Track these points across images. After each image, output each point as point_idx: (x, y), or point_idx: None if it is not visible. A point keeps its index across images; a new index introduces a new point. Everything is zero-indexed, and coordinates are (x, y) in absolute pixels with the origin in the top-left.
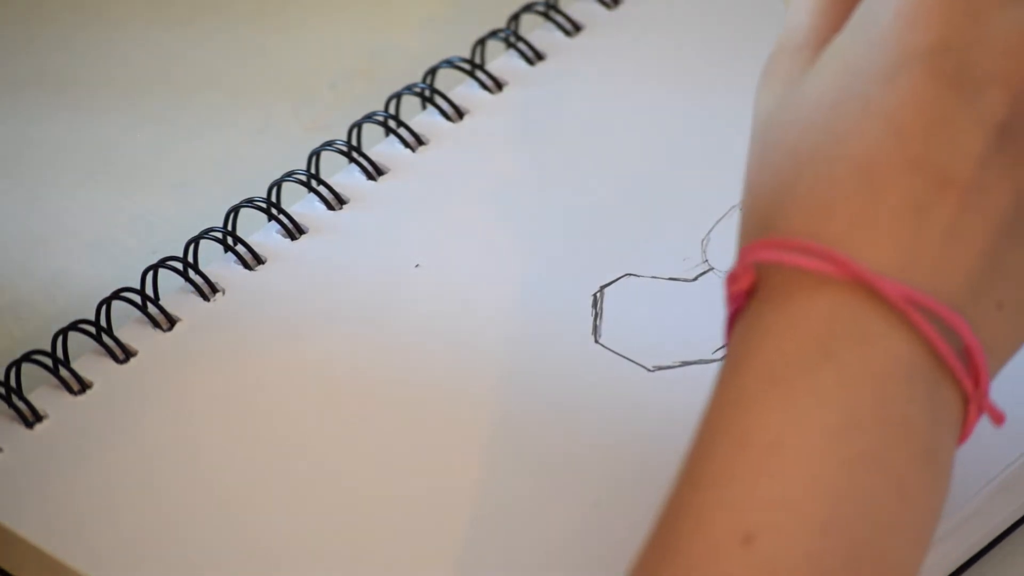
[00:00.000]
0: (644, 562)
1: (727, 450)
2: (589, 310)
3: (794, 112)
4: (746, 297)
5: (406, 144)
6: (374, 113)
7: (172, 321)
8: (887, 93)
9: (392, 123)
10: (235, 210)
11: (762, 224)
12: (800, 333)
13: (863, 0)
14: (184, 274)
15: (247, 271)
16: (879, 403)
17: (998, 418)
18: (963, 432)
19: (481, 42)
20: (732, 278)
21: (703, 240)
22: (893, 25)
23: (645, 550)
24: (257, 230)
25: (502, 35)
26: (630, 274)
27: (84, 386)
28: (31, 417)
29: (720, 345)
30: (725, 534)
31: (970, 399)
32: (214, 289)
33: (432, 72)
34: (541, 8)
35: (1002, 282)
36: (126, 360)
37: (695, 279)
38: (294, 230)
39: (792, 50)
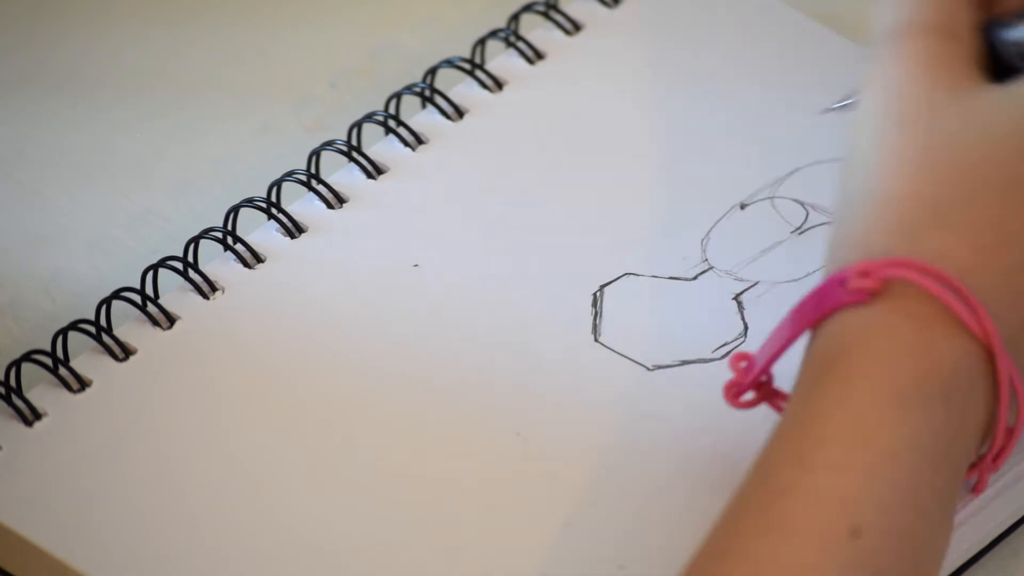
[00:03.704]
0: (735, 534)
1: (846, 444)
2: (589, 309)
3: (978, 126)
4: (868, 296)
5: (406, 143)
6: (374, 113)
7: (172, 320)
8: None
9: (392, 123)
10: (235, 210)
11: (910, 230)
12: (931, 364)
13: None
14: (184, 273)
15: (247, 270)
16: (961, 452)
17: (981, 488)
18: None
19: (481, 42)
20: (864, 272)
21: (703, 239)
22: None
23: (731, 520)
24: (257, 229)
25: (502, 35)
26: (630, 273)
27: (83, 384)
28: (30, 416)
29: (721, 344)
30: (836, 522)
31: (982, 463)
32: (214, 288)
33: (432, 72)
34: (541, 8)
35: None
36: (125, 358)
37: (695, 278)
38: (294, 229)
39: (943, 33)
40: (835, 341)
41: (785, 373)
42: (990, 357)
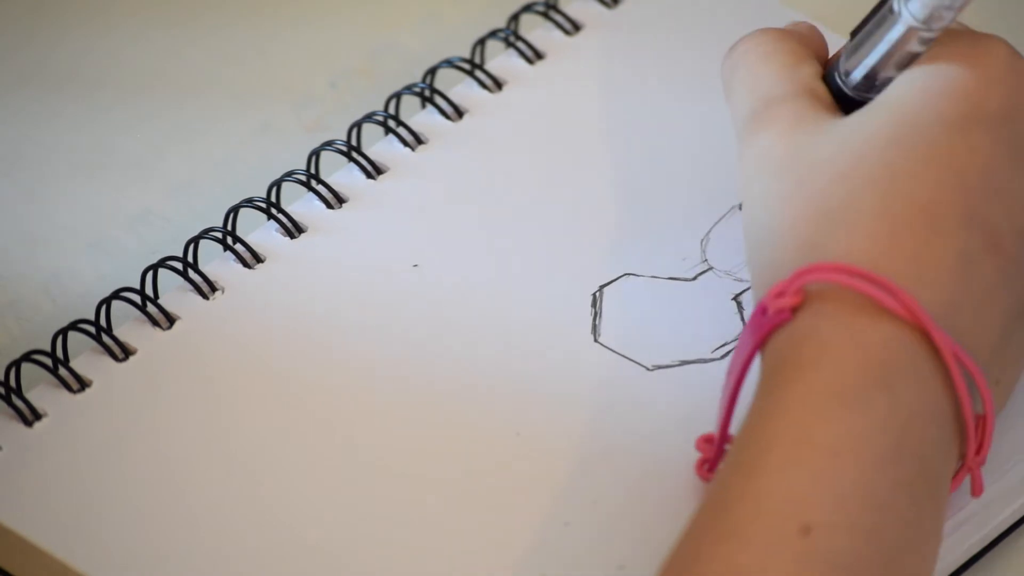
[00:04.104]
0: (696, 543)
1: (787, 447)
2: (589, 309)
3: (838, 144)
4: (791, 312)
5: (406, 143)
6: (374, 113)
7: (171, 320)
8: (956, 144)
9: (392, 123)
10: (235, 210)
11: (810, 245)
12: (862, 356)
13: (918, 64)
14: (184, 274)
15: (246, 270)
16: (917, 439)
17: (979, 490)
18: (951, 486)
19: (481, 42)
20: (779, 293)
21: (702, 240)
22: (963, 85)
23: (693, 531)
24: (257, 229)
25: (502, 35)
26: (629, 273)
27: (83, 384)
28: (30, 416)
29: (720, 344)
30: (785, 522)
31: (967, 461)
32: (213, 288)
33: (432, 72)
34: (541, 8)
35: (1004, 360)
36: (125, 359)
37: (694, 278)
38: (293, 229)
39: (787, 98)
40: (773, 363)
41: None
42: (925, 336)
